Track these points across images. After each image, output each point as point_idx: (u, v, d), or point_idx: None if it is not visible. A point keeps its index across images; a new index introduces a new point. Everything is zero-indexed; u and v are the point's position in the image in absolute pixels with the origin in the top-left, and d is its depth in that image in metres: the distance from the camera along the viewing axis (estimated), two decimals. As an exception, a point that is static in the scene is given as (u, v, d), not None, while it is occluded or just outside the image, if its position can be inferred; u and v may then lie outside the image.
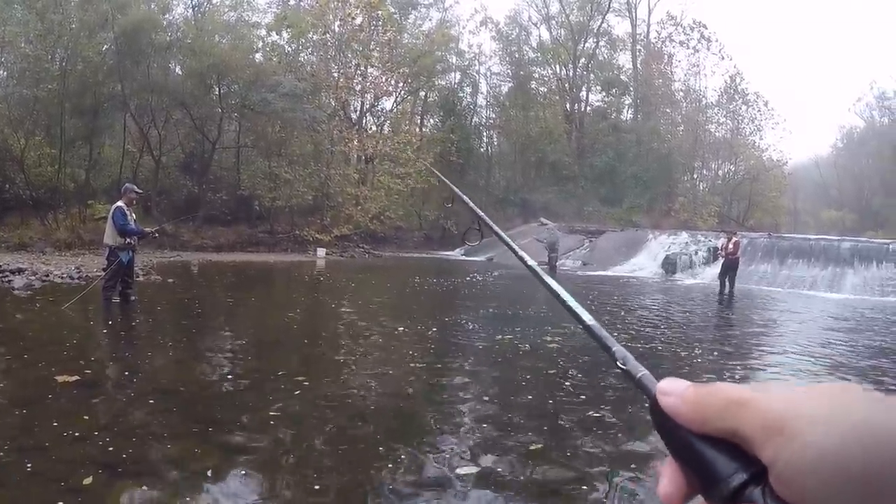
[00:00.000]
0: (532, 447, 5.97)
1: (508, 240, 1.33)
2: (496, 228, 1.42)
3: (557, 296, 0.95)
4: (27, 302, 14.50)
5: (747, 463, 0.54)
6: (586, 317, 0.86)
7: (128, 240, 13.88)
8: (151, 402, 6.81)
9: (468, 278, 26.19)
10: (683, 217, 59.15)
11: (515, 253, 1.25)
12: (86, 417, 6.18)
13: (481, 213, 1.63)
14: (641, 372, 0.70)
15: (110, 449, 5.39)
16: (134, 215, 14.35)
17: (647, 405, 0.65)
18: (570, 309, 0.91)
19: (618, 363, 0.74)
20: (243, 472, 5.04)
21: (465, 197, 1.83)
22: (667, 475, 0.61)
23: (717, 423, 0.56)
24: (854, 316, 19.36)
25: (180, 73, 42.34)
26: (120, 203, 13.94)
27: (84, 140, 36.45)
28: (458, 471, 5.26)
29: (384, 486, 4.98)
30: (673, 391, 0.61)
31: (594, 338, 0.82)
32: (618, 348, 0.77)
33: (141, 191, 15.63)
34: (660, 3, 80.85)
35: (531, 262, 1.17)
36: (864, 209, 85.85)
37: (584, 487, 5.14)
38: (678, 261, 34.91)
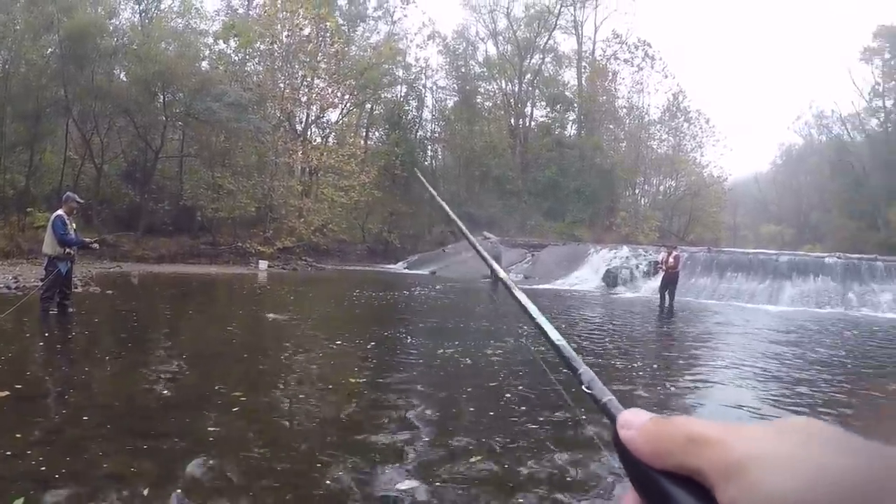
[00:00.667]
0: (473, 459, 6.03)
1: (481, 249, 1.42)
2: (471, 238, 1.52)
3: (526, 311, 0.98)
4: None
5: (705, 500, 0.51)
6: (554, 335, 0.88)
7: (67, 250, 13.75)
8: (88, 416, 6.71)
9: (410, 292, 26.23)
10: (625, 231, 59.92)
11: (487, 262, 1.34)
12: (18, 434, 6.15)
13: (459, 222, 1.73)
14: (607, 397, 0.69)
15: (45, 465, 5.31)
16: (74, 225, 14.18)
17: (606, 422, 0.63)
18: (539, 326, 0.93)
19: (583, 386, 0.74)
20: (181, 487, 5.03)
21: (445, 205, 1.90)
22: None
23: (675, 460, 0.54)
24: (791, 328, 19.77)
25: (125, 79, 41.73)
26: (60, 212, 13.77)
27: (25, 145, 35.95)
28: (399, 486, 5.26)
29: (324, 504, 5.06)
30: (632, 424, 0.59)
31: (561, 357, 0.82)
32: (584, 370, 0.77)
33: (82, 200, 15.43)
34: (606, 21, 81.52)
35: (502, 273, 1.22)
36: (802, 224, 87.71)
37: (522, 501, 5.25)
38: (619, 274, 35.25)
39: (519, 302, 1.01)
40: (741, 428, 0.53)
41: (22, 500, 4.70)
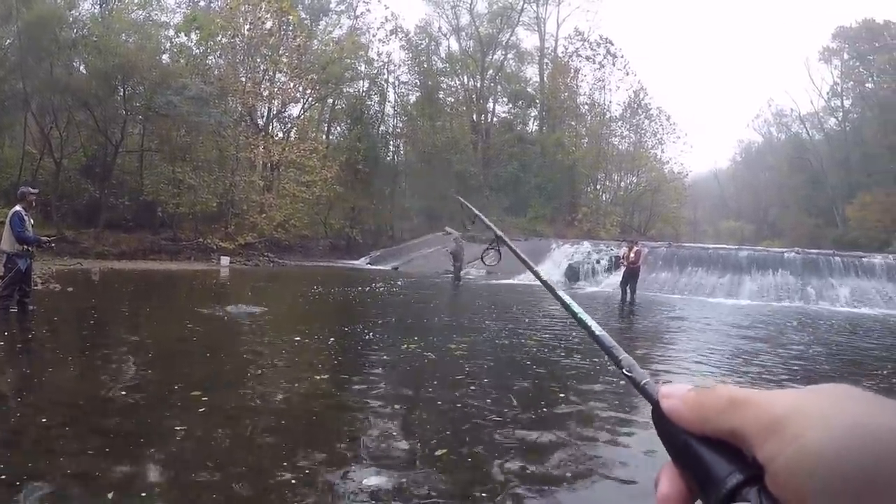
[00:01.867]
0: (438, 453, 6.09)
1: (526, 259, 1.44)
2: (516, 250, 1.54)
3: (569, 307, 1.00)
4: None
5: (745, 464, 0.53)
6: (595, 327, 0.90)
7: (25, 247, 13.60)
8: (51, 416, 6.66)
9: (373, 287, 26.23)
10: (586, 227, 60.19)
11: (532, 270, 1.36)
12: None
13: (501, 234, 1.75)
14: (645, 379, 0.71)
15: (8, 465, 5.29)
16: (32, 221, 14.04)
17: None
18: (580, 320, 0.95)
19: (623, 371, 0.77)
20: (146, 487, 5.03)
21: (486, 220, 1.92)
22: (666, 479, 0.61)
23: (716, 423, 0.55)
24: (750, 321, 20.13)
25: (85, 72, 41.37)
26: (18, 207, 13.58)
27: (-19, 140, 35.40)
28: (365, 482, 5.28)
29: (290, 502, 5.01)
30: (674, 394, 0.61)
31: (602, 347, 0.85)
32: (625, 357, 0.79)
33: (36, 190, 15.19)
34: (568, 18, 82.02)
35: (545, 277, 1.23)
36: (761, 220, 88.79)
37: (486, 494, 5.28)
38: (581, 269, 35.58)
39: (561, 300, 1.03)
40: (781, 391, 0.53)
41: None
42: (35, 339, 11.89)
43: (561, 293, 1.05)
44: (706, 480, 0.55)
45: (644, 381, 0.71)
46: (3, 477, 5.05)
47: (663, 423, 0.61)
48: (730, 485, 0.53)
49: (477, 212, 2.11)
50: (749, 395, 0.54)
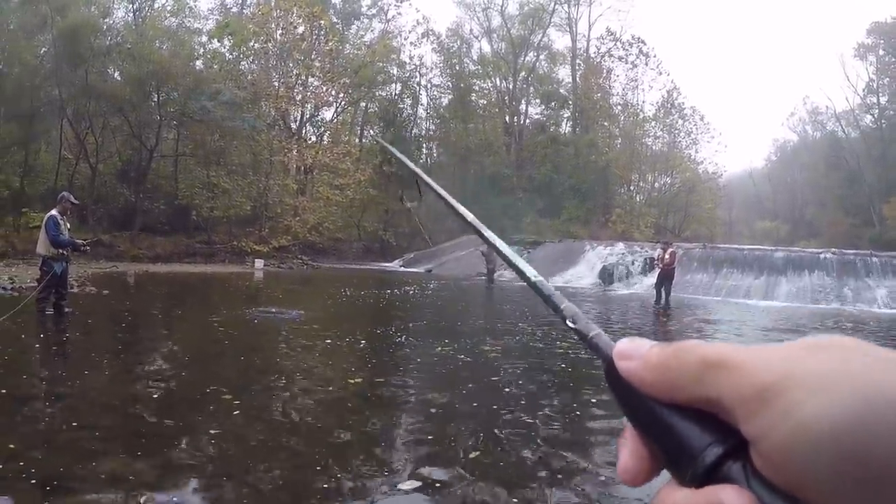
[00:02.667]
0: (472, 455, 6.01)
1: (445, 194, 1.38)
2: (433, 184, 1.48)
3: (499, 250, 0.89)
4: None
5: (722, 434, 0.46)
6: (530, 272, 0.78)
7: (60, 251, 13.69)
8: (86, 417, 6.65)
9: (406, 290, 26.19)
10: (620, 228, 59.77)
11: (453, 208, 1.31)
12: (16, 436, 6.12)
13: (418, 171, 1.70)
14: (595, 331, 0.60)
15: (43, 466, 5.29)
16: (68, 225, 14.12)
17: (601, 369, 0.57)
18: (513, 265, 0.84)
19: (567, 321, 0.65)
20: (180, 488, 4.99)
21: (402, 157, 1.87)
22: (627, 450, 0.52)
23: (688, 391, 0.47)
24: (787, 323, 19.83)
25: (119, 78, 41.75)
26: (54, 212, 13.67)
27: (19, 146, 35.85)
28: (401, 486, 5.20)
29: (324, 506, 5.01)
30: (633, 354, 0.52)
31: (540, 294, 0.74)
32: (567, 305, 0.67)
33: (77, 201, 15.31)
34: (600, 18, 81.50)
35: (470, 216, 1.17)
36: (797, 220, 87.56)
37: (521, 496, 5.21)
38: (615, 271, 35.35)
39: (490, 242, 0.93)
40: (763, 349, 0.45)
41: (25, 495, 4.69)
42: (70, 341, 11.94)
43: (489, 234, 0.94)
44: (677, 453, 0.48)
45: (593, 334, 0.61)
46: (39, 476, 5.07)
47: (620, 384, 0.53)
48: (709, 460, 0.46)
49: (393, 149, 2.05)
50: (727, 356, 0.46)
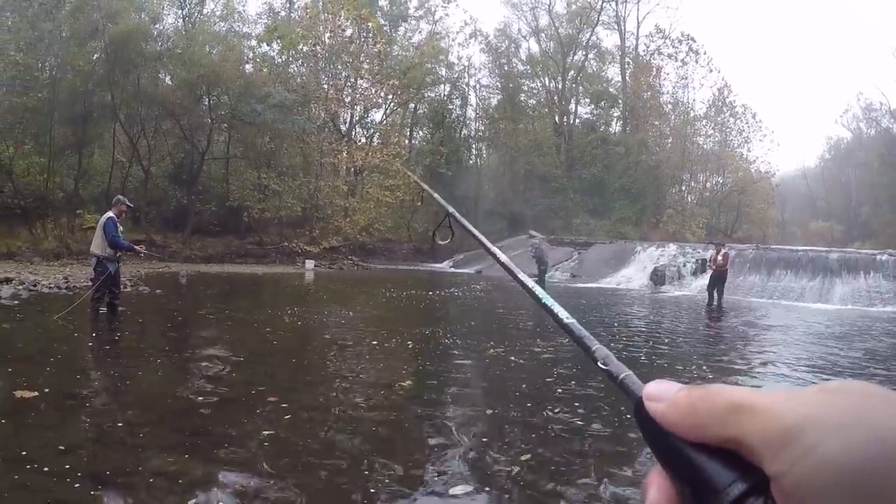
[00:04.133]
0: (524, 458, 5.90)
1: (477, 233, 1.32)
2: (468, 224, 1.43)
3: (531, 292, 0.93)
4: (15, 311, 14.47)
5: (745, 471, 0.48)
6: (563, 314, 0.83)
7: (117, 252, 13.80)
8: (139, 413, 6.71)
9: (457, 290, 26.17)
10: (672, 229, 59.26)
11: (485, 247, 1.23)
12: (69, 431, 6.14)
13: (451, 209, 1.64)
14: (625, 373, 0.66)
15: (95, 462, 5.35)
16: (121, 227, 14.27)
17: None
18: (545, 306, 0.88)
19: (598, 363, 0.71)
20: (230, 487, 4.99)
21: (435, 195, 1.82)
22: (655, 486, 0.56)
23: (714, 431, 0.50)
24: (844, 326, 19.39)
25: (170, 83, 42.43)
26: (111, 213, 13.81)
27: (73, 149, 36.43)
28: (452, 491, 5.13)
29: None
30: (662, 396, 0.55)
31: (572, 337, 0.78)
32: (598, 347, 0.73)
33: (132, 205, 15.51)
34: (648, 16, 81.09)
35: (503, 257, 1.17)
36: (852, 220, 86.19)
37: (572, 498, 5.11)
38: (667, 273, 34.94)
39: (523, 283, 0.97)
40: (786, 393, 0.49)
41: (77, 489, 4.69)
42: (123, 340, 12.01)
43: (522, 276, 0.98)
44: (703, 489, 0.50)
45: (623, 376, 0.66)
46: (91, 471, 5.09)
47: (649, 424, 0.56)
48: (732, 496, 0.48)
49: (425, 186, 2.00)
50: (752, 400, 0.49)
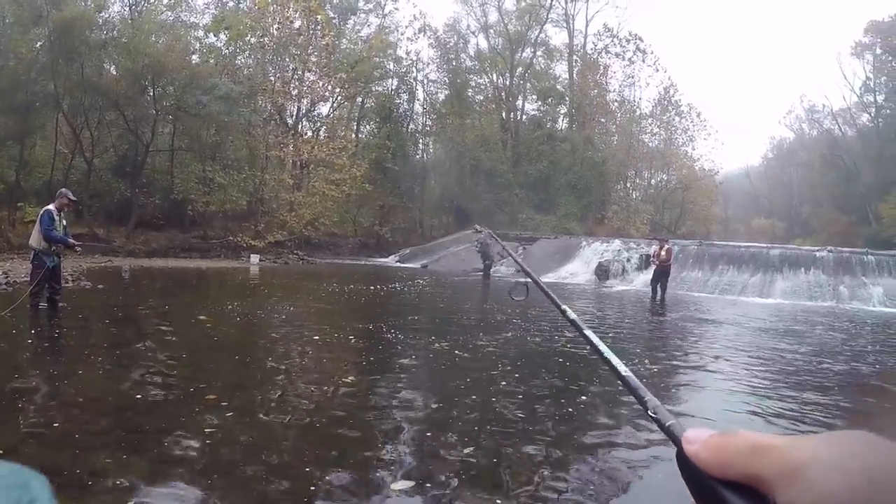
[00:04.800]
0: (466, 451, 6.02)
1: (553, 296, 1.42)
2: (548, 291, 1.51)
3: (596, 347, 1.03)
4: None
5: None
6: (622, 368, 0.93)
7: (52, 246, 13.63)
8: (78, 412, 6.68)
9: (402, 285, 26.18)
10: (616, 225, 59.87)
11: (559, 307, 1.36)
12: (7, 430, 6.11)
13: (532, 274, 1.74)
14: (671, 421, 0.73)
15: (35, 461, 5.29)
16: (65, 221, 14.08)
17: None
18: (607, 360, 0.98)
19: (649, 412, 0.79)
20: (170, 485, 4.98)
21: (516, 257, 1.91)
22: None
23: (738, 468, 0.56)
24: (787, 321, 19.84)
25: (115, 72, 41.73)
26: (51, 206, 13.58)
27: (14, 140, 35.75)
28: (394, 486, 5.20)
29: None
30: (697, 440, 0.62)
31: (629, 389, 0.87)
32: (650, 398, 0.81)
33: (75, 199, 15.26)
34: (597, 15, 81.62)
35: (572, 315, 1.25)
36: (794, 218, 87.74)
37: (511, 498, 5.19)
38: (611, 267, 35.41)
39: (590, 340, 1.07)
40: (800, 438, 0.55)
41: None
42: (63, 336, 11.88)
43: (589, 333, 1.07)
44: None
45: (669, 423, 0.73)
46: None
47: (687, 465, 0.62)
48: None
49: (510, 251, 2.11)
50: (771, 442, 0.56)
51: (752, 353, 12.82)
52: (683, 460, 0.63)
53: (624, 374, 0.89)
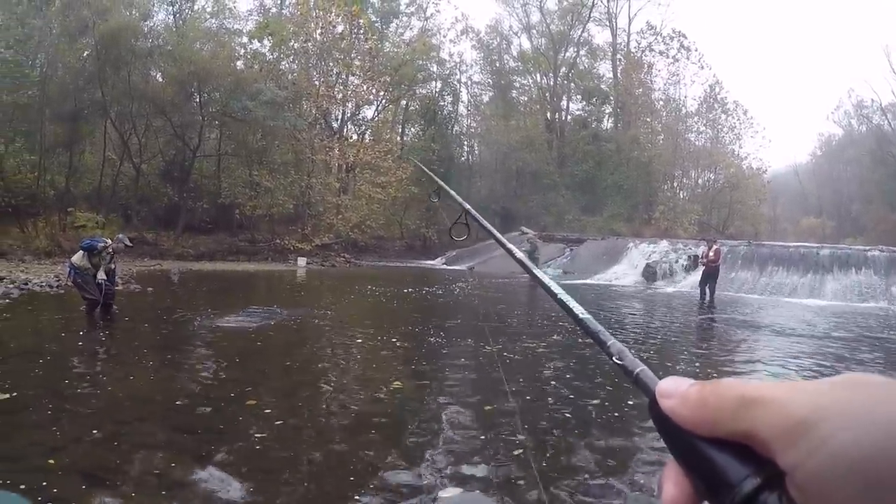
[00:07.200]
0: (516, 453, 5.93)
1: (495, 232, 1.38)
2: (483, 221, 1.49)
3: (548, 289, 0.94)
4: (5, 310, 14.42)
5: (759, 465, 0.49)
6: (578, 310, 0.85)
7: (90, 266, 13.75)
8: (128, 414, 6.74)
9: (450, 288, 26.08)
10: (664, 225, 59.19)
11: (503, 245, 1.28)
12: (61, 430, 6.13)
13: (468, 206, 1.64)
14: (639, 368, 0.65)
15: (86, 459, 5.39)
16: (113, 265, 14.24)
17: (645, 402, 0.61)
18: (561, 302, 0.90)
19: (613, 358, 0.71)
20: (218, 487, 4.98)
21: (451, 191, 1.82)
22: (670, 481, 0.56)
23: (726, 426, 0.51)
24: (834, 322, 19.35)
25: (161, 79, 42.30)
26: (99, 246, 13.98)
27: (64, 147, 36.37)
28: (442, 493, 5.08)
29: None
30: (674, 392, 0.56)
31: (587, 332, 0.79)
32: (613, 342, 0.73)
33: (130, 244, 15.72)
34: (640, 12, 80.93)
35: (518, 253, 1.22)
36: (843, 216, 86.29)
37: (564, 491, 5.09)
38: (658, 269, 34.88)
39: (539, 280, 1.00)
40: (797, 385, 0.49)
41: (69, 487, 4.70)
42: (113, 339, 11.99)
43: (538, 272, 1.02)
44: (717, 484, 0.51)
45: (638, 371, 0.66)
46: (82, 469, 5.11)
47: (663, 419, 0.56)
48: (746, 489, 0.49)
49: (441, 182, 2.00)
50: (762, 393, 0.50)
51: (806, 358, 12.25)
52: (657, 413, 0.57)
53: (582, 317, 0.83)
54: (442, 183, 1.93)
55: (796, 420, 0.46)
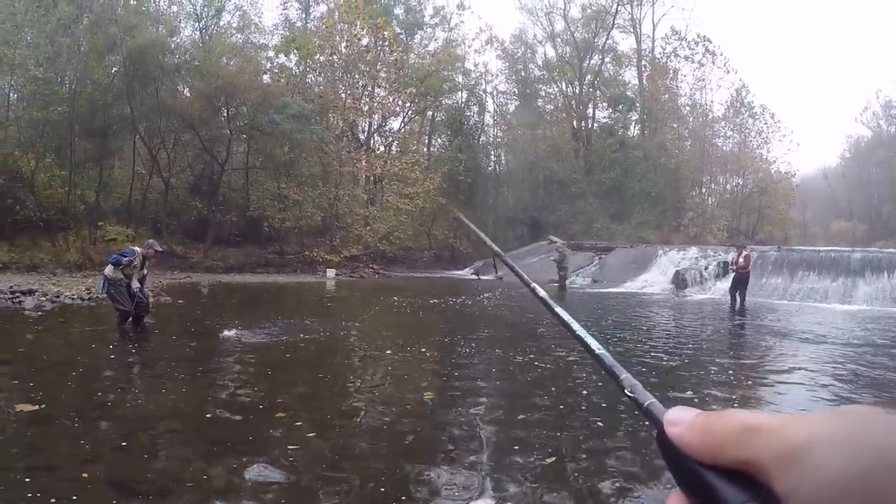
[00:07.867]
0: (548, 462, 5.89)
1: (519, 270, 1.35)
2: (509, 261, 1.44)
3: (567, 325, 0.94)
4: (37, 322, 14.54)
5: (758, 493, 0.51)
6: (594, 345, 0.86)
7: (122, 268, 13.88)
8: (161, 424, 6.74)
9: (479, 298, 26.03)
10: (693, 232, 58.83)
11: (527, 284, 1.26)
12: (94, 438, 6.17)
13: (497, 249, 1.64)
14: (649, 400, 0.69)
15: (119, 469, 5.42)
16: (145, 271, 14.45)
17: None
18: (578, 338, 0.90)
19: (626, 391, 0.74)
20: (252, 495, 5.00)
21: (483, 236, 1.83)
22: None
23: (728, 453, 0.53)
24: (868, 327, 19.08)
25: (188, 95, 42.68)
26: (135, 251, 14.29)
27: (94, 162, 36.78)
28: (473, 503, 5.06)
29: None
30: (680, 421, 0.58)
31: (602, 366, 0.82)
32: (626, 376, 0.76)
33: (162, 249, 15.82)
34: (664, 18, 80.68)
35: (541, 293, 1.19)
36: (874, 219, 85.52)
37: None
38: (688, 276, 34.61)
39: (558, 315, 0.99)
40: (797, 416, 0.51)
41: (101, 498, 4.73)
42: (145, 351, 12.03)
43: (558, 309, 1.00)
44: None
45: (648, 403, 0.69)
46: (115, 481, 5.16)
47: (669, 448, 0.59)
48: None
49: (474, 227, 2.00)
50: (763, 422, 0.52)
51: (839, 367, 11.88)
52: (665, 444, 0.59)
53: (598, 352, 0.85)
54: (476, 229, 1.92)
55: (792, 447, 0.48)
